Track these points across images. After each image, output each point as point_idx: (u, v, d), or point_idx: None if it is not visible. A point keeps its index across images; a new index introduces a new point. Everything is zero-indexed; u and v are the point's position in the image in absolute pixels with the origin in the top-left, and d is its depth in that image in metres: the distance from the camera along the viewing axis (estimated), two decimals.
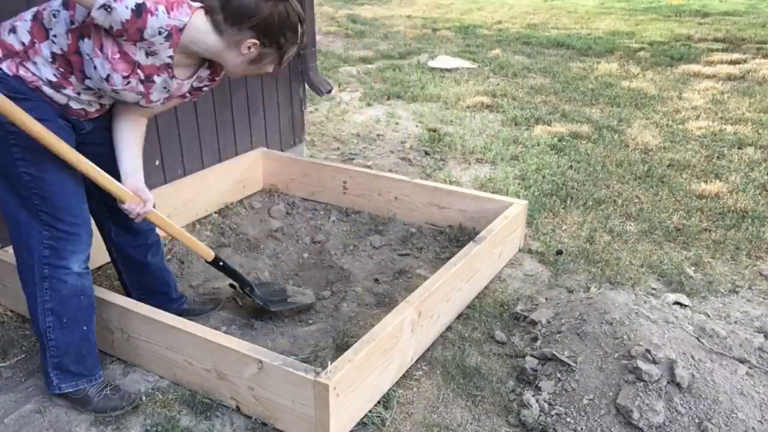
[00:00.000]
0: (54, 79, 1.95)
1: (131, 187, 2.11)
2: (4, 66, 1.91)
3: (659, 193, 3.90)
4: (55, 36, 1.91)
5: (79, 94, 2.01)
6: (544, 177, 4.11)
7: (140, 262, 2.52)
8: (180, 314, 2.36)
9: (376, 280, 3.01)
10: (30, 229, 2.02)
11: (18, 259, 2.10)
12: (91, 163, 2.03)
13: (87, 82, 1.97)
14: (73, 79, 1.97)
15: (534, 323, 2.56)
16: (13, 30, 1.93)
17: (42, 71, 1.93)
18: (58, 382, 2.14)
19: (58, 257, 2.05)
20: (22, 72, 1.92)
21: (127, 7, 1.77)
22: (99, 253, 3.01)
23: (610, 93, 6.10)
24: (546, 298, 2.80)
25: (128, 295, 2.54)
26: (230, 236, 3.35)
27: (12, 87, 1.90)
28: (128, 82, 1.95)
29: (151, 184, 3.27)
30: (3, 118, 1.87)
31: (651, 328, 2.29)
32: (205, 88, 2.21)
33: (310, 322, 2.71)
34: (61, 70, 1.95)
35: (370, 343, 2.09)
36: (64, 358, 2.12)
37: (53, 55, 1.92)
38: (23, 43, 1.92)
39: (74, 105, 2.03)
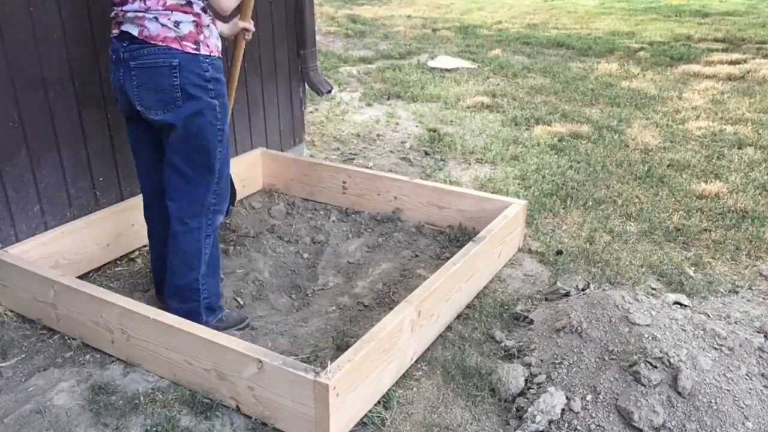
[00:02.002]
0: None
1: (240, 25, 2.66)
2: (203, 50, 2.26)
3: (659, 193, 3.90)
4: None
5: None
6: (544, 177, 4.11)
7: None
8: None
9: (376, 280, 3.01)
10: (207, 193, 2.42)
11: (190, 221, 2.44)
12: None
13: None
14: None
15: (534, 323, 2.56)
16: (177, 23, 2.21)
17: (212, 30, 2.33)
18: (206, 318, 2.53)
19: (216, 216, 2.50)
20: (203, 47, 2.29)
21: None
22: (99, 253, 3.02)
23: (610, 93, 6.10)
24: (546, 298, 2.80)
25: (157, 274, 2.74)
26: (230, 236, 3.35)
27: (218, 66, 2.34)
28: None
29: None
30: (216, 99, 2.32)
31: (651, 328, 2.29)
32: None
33: (310, 321, 2.71)
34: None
35: (370, 342, 2.09)
36: (213, 299, 2.57)
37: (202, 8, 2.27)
38: (194, 22, 2.25)
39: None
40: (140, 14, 2.21)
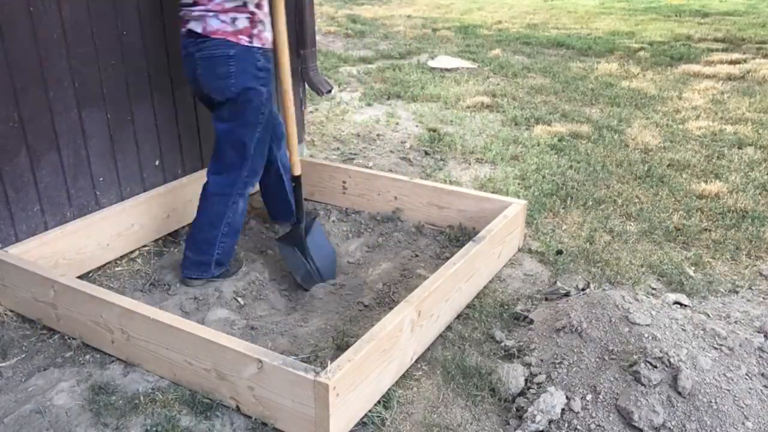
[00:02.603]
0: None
1: None
2: (256, 42, 2.63)
3: (659, 193, 3.90)
4: None
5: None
6: (544, 177, 4.11)
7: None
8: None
9: (376, 280, 3.01)
10: (241, 168, 2.80)
11: (223, 188, 2.82)
12: None
13: None
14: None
15: (534, 323, 2.56)
16: (233, 19, 2.56)
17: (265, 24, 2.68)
18: (213, 270, 2.88)
19: (246, 187, 2.88)
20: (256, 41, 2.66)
21: None
22: (99, 253, 3.02)
23: (610, 93, 6.10)
24: (546, 298, 2.80)
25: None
26: None
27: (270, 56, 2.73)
28: None
29: (151, 184, 3.29)
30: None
31: (651, 328, 2.29)
32: None
33: (310, 321, 2.71)
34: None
35: (369, 342, 2.09)
36: (224, 257, 2.90)
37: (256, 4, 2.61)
38: (248, 18, 2.60)
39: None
40: (203, 13, 2.56)
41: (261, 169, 2.93)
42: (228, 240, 2.88)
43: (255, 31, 2.61)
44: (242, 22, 2.58)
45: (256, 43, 2.62)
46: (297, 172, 2.96)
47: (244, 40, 2.59)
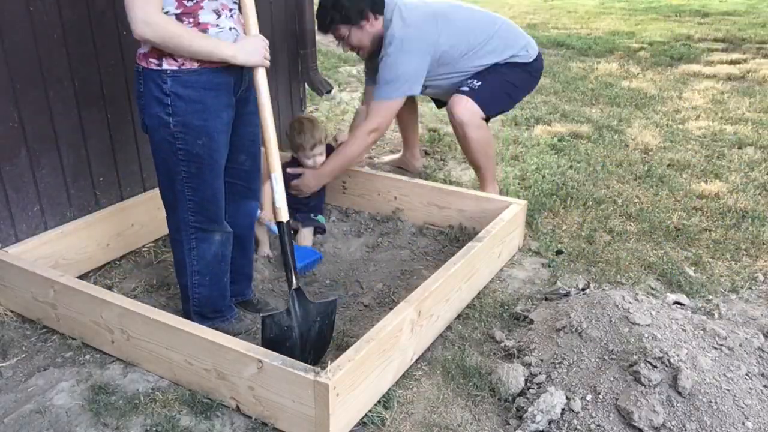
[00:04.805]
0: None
1: None
2: (166, 65, 2.16)
3: (659, 193, 3.90)
4: None
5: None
6: (544, 177, 4.11)
7: (244, 242, 2.65)
8: (245, 304, 2.73)
9: (376, 280, 3.01)
10: (181, 209, 2.38)
11: (173, 233, 2.46)
12: None
13: None
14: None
15: (534, 323, 2.56)
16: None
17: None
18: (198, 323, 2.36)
19: (199, 233, 2.40)
20: None
21: None
22: (99, 253, 3.02)
23: (610, 93, 6.09)
24: (546, 298, 2.80)
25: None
26: None
27: None
28: None
29: (151, 185, 3.29)
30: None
31: (651, 328, 2.29)
32: None
33: None
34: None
35: (369, 342, 2.09)
36: (203, 308, 2.54)
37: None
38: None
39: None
40: None
41: (214, 207, 2.37)
42: (203, 290, 2.50)
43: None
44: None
45: (166, 66, 2.15)
46: (279, 217, 2.36)
47: (152, 63, 2.17)
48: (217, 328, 2.36)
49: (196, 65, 2.16)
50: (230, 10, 2.23)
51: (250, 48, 2.19)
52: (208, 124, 2.22)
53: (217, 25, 2.18)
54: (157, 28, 2.04)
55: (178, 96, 2.17)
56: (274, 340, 2.26)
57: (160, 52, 2.14)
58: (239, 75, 2.28)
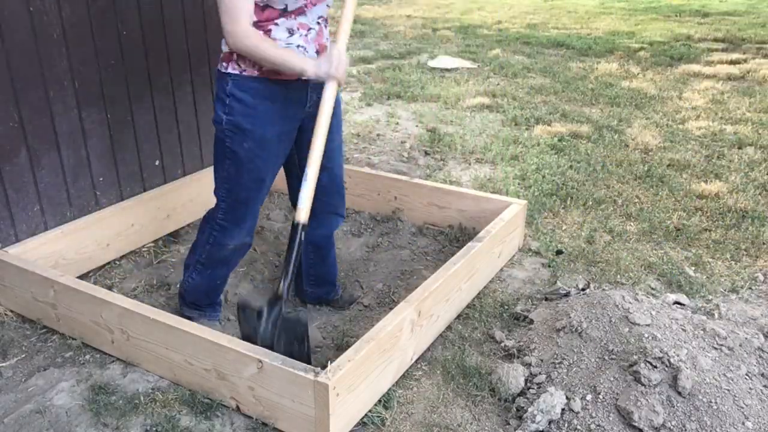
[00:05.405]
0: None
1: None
2: (231, 68, 2.26)
3: (659, 193, 3.90)
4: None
5: None
6: (544, 177, 4.11)
7: (322, 251, 2.72)
8: (328, 302, 2.81)
9: (376, 280, 3.01)
10: (217, 204, 2.47)
11: (204, 220, 2.53)
12: None
13: None
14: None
15: (534, 323, 2.56)
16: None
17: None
18: (183, 308, 2.62)
19: (220, 233, 2.46)
20: None
21: None
22: (99, 254, 3.02)
23: (610, 93, 6.10)
24: (546, 298, 2.80)
25: (299, 282, 2.78)
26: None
27: None
28: None
29: (151, 184, 3.30)
30: None
31: (651, 328, 2.29)
32: None
33: (310, 321, 2.71)
34: None
35: (369, 342, 2.09)
36: (187, 294, 2.61)
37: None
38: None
39: None
40: None
41: (243, 211, 2.43)
42: (196, 279, 2.56)
43: (234, 56, 2.24)
44: (225, 46, 2.27)
45: (231, 69, 2.25)
46: (298, 217, 2.26)
47: (222, 65, 2.29)
48: (191, 318, 2.48)
49: (256, 72, 2.23)
50: (309, 29, 2.26)
51: (326, 60, 2.19)
52: (256, 129, 2.28)
53: (288, 43, 2.22)
54: (247, 40, 2.12)
55: (235, 98, 2.25)
56: (244, 332, 2.28)
57: (229, 56, 2.24)
58: (304, 90, 2.32)
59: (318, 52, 2.30)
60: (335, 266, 2.83)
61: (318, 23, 2.29)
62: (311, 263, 2.73)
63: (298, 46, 2.24)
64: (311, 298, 2.82)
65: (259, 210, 2.48)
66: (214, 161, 2.41)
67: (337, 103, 2.35)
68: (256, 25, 2.16)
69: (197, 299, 2.62)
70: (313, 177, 2.24)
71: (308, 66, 2.16)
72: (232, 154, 2.32)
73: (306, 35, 2.26)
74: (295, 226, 2.25)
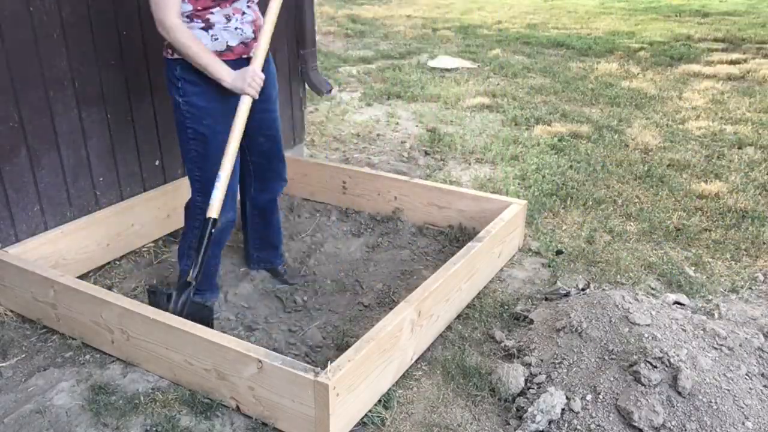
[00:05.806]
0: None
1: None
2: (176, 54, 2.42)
3: (659, 193, 3.90)
4: None
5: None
6: (544, 177, 4.11)
7: (267, 214, 2.94)
8: (274, 272, 3.00)
9: (376, 280, 3.01)
10: (192, 184, 2.62)
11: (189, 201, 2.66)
12: None
13: None
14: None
15: (534, 323, 2.56)
16: None
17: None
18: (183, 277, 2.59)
19: (200, 213, 2.51)
20: None
21: None
22: (99, 254, 3.02)
23: (610, 93, 6.10)
24: (546, 298, 2.80)
25: (247, 248, 3.04)
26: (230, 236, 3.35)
27: None
28: None
29: (151, 184, 3.29)
30: None
31: (651, 328, 2.29)
32: None
33: (310, 321, 2.71)
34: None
35: (370, 342, 2.09)
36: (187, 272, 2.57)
37: None
38: None
39: None
40: None
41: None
42: (191, 259, 2.54)
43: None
44: None
45: (176, 55, 2.43)
46: (210, 212, 2.41)
47: (168, 52, 2.47)
48: (203, 303, 2.56)
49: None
50: (243, 13, 2.48)
51: (240, 77, 2.39)
52: (211, 104, 2.48)
53: (227, 26, 2.45)
54: (171, 33, 2.31)
55: (186, 80, 2.45)
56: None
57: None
58: (245, 65, 2.47)
59: (254, 32, 2.51)
60: (279, 231, 3.04)
61: (249, 7, 2.51)
62: (256, 227, 2.97)
63: (236, 28, 2.47)
64: (258, 263, 3.03)
65: (236, 186, 2.64)
66: (181, 146, 2.58)
67: (272, 74, 2.66)
68: (196, 14, 2.38)
69: (198, 284, 2.60)
70: (225, 178, 2.41)
71: (226, 77, 2.38)
72: (195, 133, 2.51)
73: (241, 18, 2.48)
74: (205, 220, 2.41)
